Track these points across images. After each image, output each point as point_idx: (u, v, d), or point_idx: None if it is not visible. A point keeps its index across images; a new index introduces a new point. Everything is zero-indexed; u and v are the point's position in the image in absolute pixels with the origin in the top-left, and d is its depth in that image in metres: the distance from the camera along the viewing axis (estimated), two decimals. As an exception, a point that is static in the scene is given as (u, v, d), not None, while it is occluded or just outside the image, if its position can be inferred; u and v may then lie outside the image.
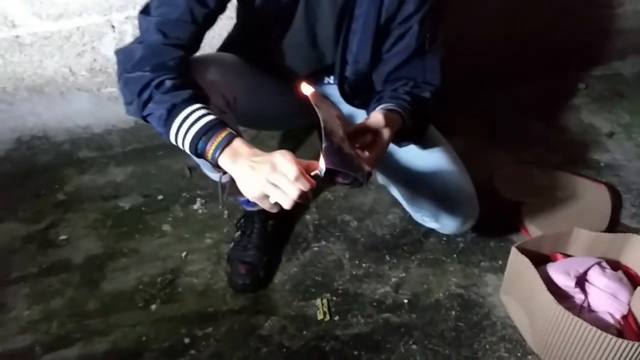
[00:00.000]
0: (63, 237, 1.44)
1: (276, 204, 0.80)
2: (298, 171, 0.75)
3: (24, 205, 1.55)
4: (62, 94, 1.57)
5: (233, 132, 0.83)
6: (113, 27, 1.47)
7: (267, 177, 0.76)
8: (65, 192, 1.59)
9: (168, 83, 0.85)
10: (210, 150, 0.82)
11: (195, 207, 1.51)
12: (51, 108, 1.59)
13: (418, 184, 1.17)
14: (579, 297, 1.09)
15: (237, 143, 0.82)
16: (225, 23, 1.50)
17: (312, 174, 0.79)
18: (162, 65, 0.88)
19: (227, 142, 0.82)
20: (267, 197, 0.79)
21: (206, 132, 0.82)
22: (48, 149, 1.66)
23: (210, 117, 0.83)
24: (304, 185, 0.75)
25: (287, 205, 0.77)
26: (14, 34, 1.42)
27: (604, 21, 2.02)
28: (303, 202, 0.78)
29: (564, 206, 1.40)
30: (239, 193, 0.83)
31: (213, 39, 1.53)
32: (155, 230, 1.45)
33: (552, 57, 1.96)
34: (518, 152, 1.65)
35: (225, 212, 1.47)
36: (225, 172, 0.84)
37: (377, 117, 0.90)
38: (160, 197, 1.55)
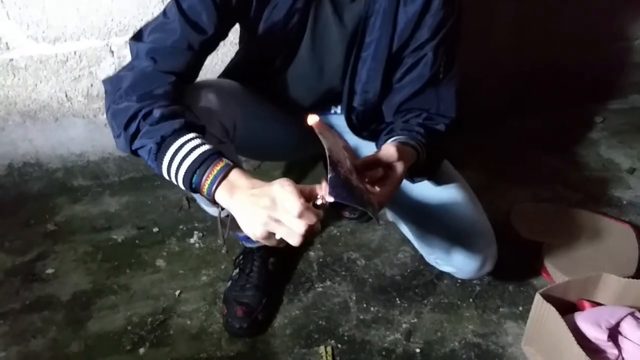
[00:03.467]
0: (50, 270, 1.35)
1: (282, 239, 0.71)
2: (302, 206, 0.66)
3: (12, 235, 1.47)
4: (57, 120, 1.51)
5: (230, 162, 0.74)
6: (112, 51, 1.41)
7: (269, 214, 0.68)
8: (55, 222, 1.51)
9: (157, 113, 0.77)
10: (205, 184, 0.73)
11: (192, 240, 1.42)
12: (45, 134, 1.52)
13: (431, 223, 1.08)
14: (612, 352, 0.98)
15: (235, 175, 0.73)
16: (229, 49, 1.46)
17: (318, 202, 0.70)
18: (150, 94, 0.80)
19: (224, 175, 0.73)
20: (272, 234, 0.70)
21: (201, 164, 0.73)
22: (40, 177, 1.59)
23: (205, 148, 0.75)
24: (309, 219, 0.66)
25: (295, 242, 0.68)
26: (7, 57, 1.36)
27: (619, 54, 1.96)
28: (312, 234, 0.69)
29: (586, 247, 1.31)
30: (240, 229, 0.74)
31: (216, 66, 1.48)
32: (149, 265, 1.36)
33: (566, 90, 1.90)
34: (535, 188, 1.57)
35: (224, 247, 1.38)
36: (224, 208, 0.76)
37: (389, 149, 0.82)
38: (155, 229, 1.46)
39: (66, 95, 1.47)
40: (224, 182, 0.73)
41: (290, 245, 0.70)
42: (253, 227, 0.70)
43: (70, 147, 1.57)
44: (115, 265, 1.36)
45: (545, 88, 1.88)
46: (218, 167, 0.73)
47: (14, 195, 1.58)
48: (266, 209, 0.68)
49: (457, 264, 1.07)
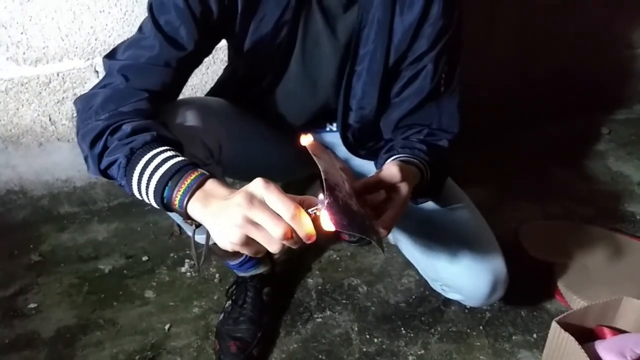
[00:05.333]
0: (32, 305, 1.27)
1: (261, 246, 0.60)
2: (296, 207, 0.56)
3: (-7, 267, 1.39)
4: (41, 145, 1.44)
5: (206, 172, 0.65)
6: (97, 72, 1.35)
7: (245, 213, 0.57)
8: (40, 252, 1.43)
9: (127, 128, 0.70)
10: (177, 196, 0.63)
11: (183, 269, 1.34)
12: (28, 160, 1.45)
13: (435, 246, 1.00)
14: (638, 385, 0.90)
15: (211, 184, 0.64)
16: (219, 67, 1.40)
17: (311, 212, 0.59)
18: (121, 112, 0.73)
19: (199, 185, 0.63)
20: (251, 240, 0.59)
21: (172, 176, 0.64)
22: (25, 205, 1.52)
23: (177, 159, 0.66)
24: (301, 227, 0.56)
25: (274, 249, 0.58)
26: (-13, 81, 1.30)
27: (624, 62, 1.91)
28: (294, 247, 0.59)
29: (602, 267, 1.23)
30: (226, 254, 0.64)
31: (206, 84, 1.43)
32: (137, 297, 1.28)
33: (571, 100, 1.84)
34: (542, 204, 1.50)
35: (217, 275, 1.31)
36: (199, 225, 0.66)
37: (391, 169, 0.75)
38: (144, 258, 1.39)
39: (50, 119, 1.41)
40: (197, 192, 0.63)
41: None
42: (227, 233, 0.58)
43: (56, 172, 1.50)
44: (102, 297, 1.28)
45: (549, 99, 1.82)
46: (192, 177, 0.64)
47: (-3, 225, 1.51)
48: (240, 207, 0.57)
49: (465, 292, 0.99)
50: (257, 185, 0.58)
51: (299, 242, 0.59)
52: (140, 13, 1.30)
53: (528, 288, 1.21)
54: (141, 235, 1.47)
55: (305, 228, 0.57)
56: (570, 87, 1.82)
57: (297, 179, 1.51)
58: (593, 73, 1.84)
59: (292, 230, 0.57)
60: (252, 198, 0.57)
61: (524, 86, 1.78)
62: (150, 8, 0.80)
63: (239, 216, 0.57)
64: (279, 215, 0.57)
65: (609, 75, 1.90)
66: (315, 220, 0.60)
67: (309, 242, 0.59)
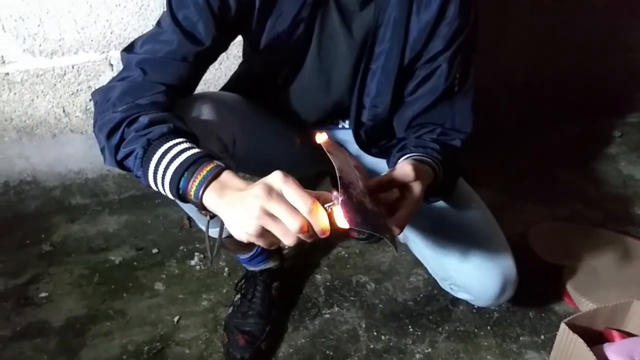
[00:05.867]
0: (44, 294, 1.29)
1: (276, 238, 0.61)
2: (313, 202, 0.57)
3: (5, 256, 1.41)
4: (55, 136, 1.45)
5: (222, 164, 0.66)
6: (111, 65, 1.36)
7: (262, 205, 0.57)
8: (51, 242, 1.45)
9: (144, 119, 0.71)
10: (193, 186, 0.64)
11: (193, 262, 1.35)
12: (42, 151, 1.47)
13: (445, 245, 1.00)
14: (646, 389, 0.90)
15: (227, 176, 0.64)
16: (233, 62, 1.41)
17: (327, 206, 0.60)
18: (138, 104, 0.74)
19: (214, 176, 0.64)
20: (266, 232, 0.59)
21: (188, 167, 0.65)
22: (37, 195, 1.53)
23: (194, 151, 0.67)
24: (317, 223, 0.57)
25: (289, 241, 0.59)
26: (3, 71, 1.31)
27: (637, 65, 1.89)
28: (309, 240, 0.60)
29: (612, 270, 1.23)
30: (237, 247, 0.65)
31: (219, 80, 1.43)
32: (147, 288, 1.29)
33: (582, 103, 1.83)
34: (552, 207, 1.49)
35: (226, 269, 1.32)
36: (213, 216, 0.66)
37: (405, 168, 0.75)
38: (154, 250, 1.40)
39: (64, 111, 1.42)
40: (213, 183, 0.64)
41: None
42: (244, 223, 0.59)
43: (68, 164, 1.51)
44: (112, 288, 1.29)
45: (560, 101, 1.82)
46: (208, 168, 0.65)
47: (10, 215, 1.52)
48: (258, 198, 0.57)
49: (475, 292, 0.99)
50: (276, 178, 0.59)
51: (314, 237, 0.60)
52: (155, 7, 1.31)
53: (536, 290, 1.21)
54: (151, 227, 1.48)
55: (321, 223, 0.58)
56: (581, 90, 1.81)
57: (307, 176, 1.51)
58: (605, 76, 1.83)
59: (308, 224, 0.58)
60: (270, 190, 0.58)
61: (534, 88, 1.77)
62: (169, 3, 0.80)
63: (257, 207, 0.58)
64: (296, 208, 0.58)
65: (621, 78, 1.89)
66: (329, 216, 0.61)
67: (323, 236, 0.60)
